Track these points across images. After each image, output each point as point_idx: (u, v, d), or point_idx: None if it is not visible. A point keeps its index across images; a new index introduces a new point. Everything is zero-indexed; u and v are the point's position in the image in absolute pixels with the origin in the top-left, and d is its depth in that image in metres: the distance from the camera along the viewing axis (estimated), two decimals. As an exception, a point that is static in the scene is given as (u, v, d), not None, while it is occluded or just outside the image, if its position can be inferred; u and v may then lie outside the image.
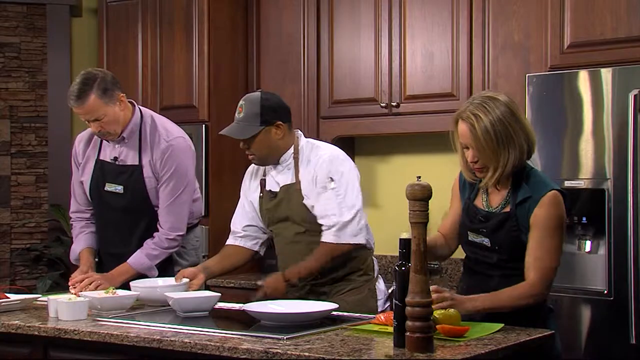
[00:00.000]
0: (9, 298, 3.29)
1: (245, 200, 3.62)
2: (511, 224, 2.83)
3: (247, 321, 2.94)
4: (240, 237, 3.61)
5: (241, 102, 3.43)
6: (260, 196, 3.53)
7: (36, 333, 2.94)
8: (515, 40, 4.17)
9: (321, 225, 3.36)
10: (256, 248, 3.63)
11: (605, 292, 3.57)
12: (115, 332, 2.77)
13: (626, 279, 3.49)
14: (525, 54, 4.14)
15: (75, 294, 3.29)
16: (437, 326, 2.53)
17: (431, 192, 2.43)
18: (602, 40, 3.73)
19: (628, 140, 3.49)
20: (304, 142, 3.49)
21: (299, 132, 3.53)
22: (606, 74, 3.59)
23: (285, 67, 4.97)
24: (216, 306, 3.19)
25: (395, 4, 4.54)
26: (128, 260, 3.59)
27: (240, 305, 3.23)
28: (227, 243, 3.65)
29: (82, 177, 3.77)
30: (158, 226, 3.63)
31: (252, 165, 3.60)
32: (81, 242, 3.77)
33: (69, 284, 3.50)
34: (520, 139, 2.79)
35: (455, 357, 2.34)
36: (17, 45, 5.65)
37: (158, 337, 2.67)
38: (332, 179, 3.35)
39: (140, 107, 3.72)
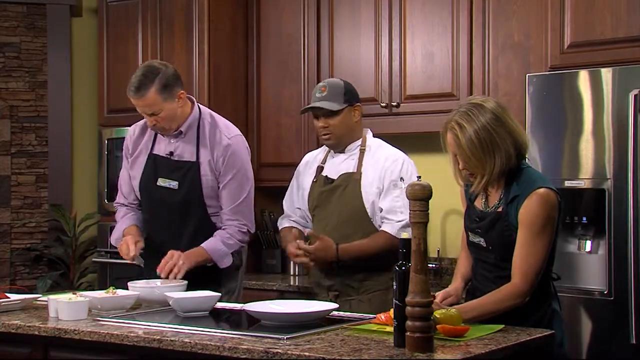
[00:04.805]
0: (9, 298, 3.28)
1: (296, 184, 3.74)
2: (503, 224, 2.83)
3: (247, 321, 2.94)
4: (293, 220, 3.72)
5: (322, 83, 3.55)
6: (314, 181, 3.60)
7: (36, 333, 2.94)
8: (515, 40, 4.17)
9: (383, 219, 3.44)
10: (305, 233, 3.73)
11: (605, 292, 3.56)
12: (115, 332, 2.77)
13: (626, 279, 3.49)
14: (525, 54, 4.14)
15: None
16: (437, 326, 2.53)
17: (431, 192, 2.43)
18: (602, 40, 3.73)
19: (628, 140, 3.49)
20: (372, 138, 3.60)
21: (368, 129, 3.64)
22: (606, 74, 3.59)
23: (285, 67, 4.96)
24: (216, 306, 3.20)
25: (395, 4, 4.53)
26: (203, 245, 3.49)
27: (241, 305, 3.24)
28: (283, 226, 3.74)
29: (132, 170, 3.66)
30: (223, 225, 3.55)
31: (308, 155, 3.76)
32: (127, 221, 3.66)
33: (158, 271, 3.36)
34: (507, 143, 2.80)
35: (455, 357, 2.34)
36: (17, 45, 5.65)
37: (158, 337, 2.67)
38: (402, 179, 3.46)
39: (200, 105, 3.66)
